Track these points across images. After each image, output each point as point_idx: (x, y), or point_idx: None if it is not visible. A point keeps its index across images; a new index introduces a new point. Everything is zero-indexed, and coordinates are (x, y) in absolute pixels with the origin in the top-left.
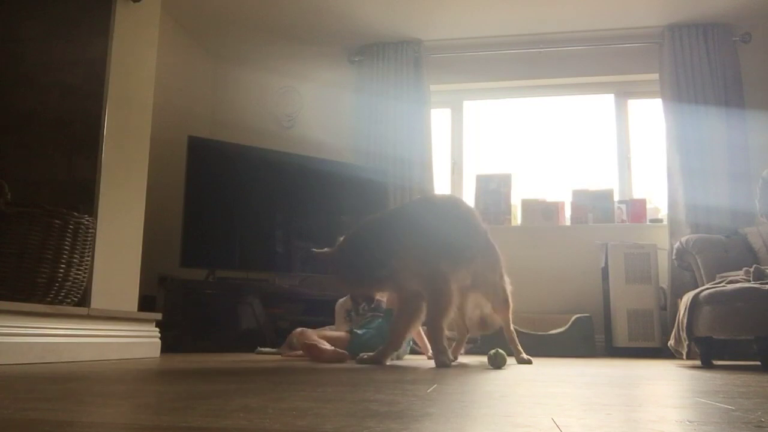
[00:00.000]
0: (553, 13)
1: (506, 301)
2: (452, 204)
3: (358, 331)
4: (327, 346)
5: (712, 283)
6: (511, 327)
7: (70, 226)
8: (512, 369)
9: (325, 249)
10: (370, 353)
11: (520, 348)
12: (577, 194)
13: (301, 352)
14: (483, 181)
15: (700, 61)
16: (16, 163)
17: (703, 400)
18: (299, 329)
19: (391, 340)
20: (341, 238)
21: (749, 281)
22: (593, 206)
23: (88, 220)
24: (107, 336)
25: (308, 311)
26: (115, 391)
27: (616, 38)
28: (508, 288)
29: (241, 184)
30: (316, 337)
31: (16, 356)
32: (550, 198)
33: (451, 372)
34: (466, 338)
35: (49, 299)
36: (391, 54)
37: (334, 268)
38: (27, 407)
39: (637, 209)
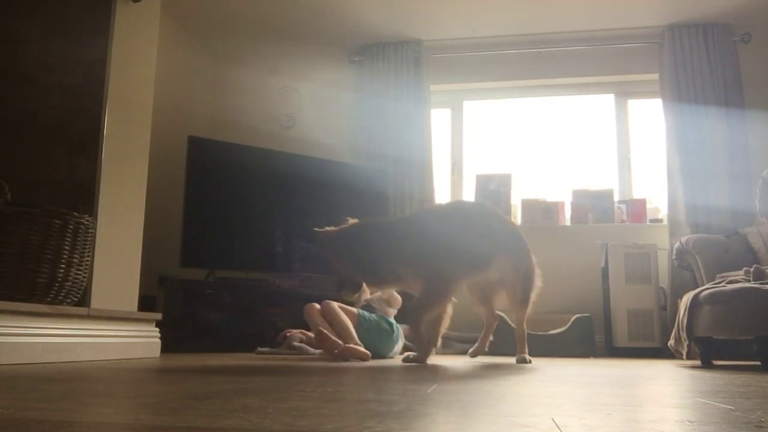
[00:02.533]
0: (553, 13)
1: (524, 300)
2: (472, 210)
3: (364, 314)
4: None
5: (712, 283)
6: (524, 326)
7: (70, 226)
8: (512, 369)
9: (328, 228)
10: (413, 353)
11: (525, 348)
12: (577, 194)
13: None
14: (483, 181)
15: (700, 61)
16: (16, 163)
17: (703, 400)
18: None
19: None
20: (350, 223)
21: (749, 281)
22: (593, 206)
23: (88, 220)
24: (107, 336)
25: None
26: (115, 391)
27: (616, 38)
28: (534, 287)
29: (241, 184)
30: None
31: (16, 356)
32: (550, 198)
33: (451, 372)
34: (492, 331)
35: (49, 299)
36: (391, 54)
37: (334, 248)
38: (27, 407)
39: (637, 209)
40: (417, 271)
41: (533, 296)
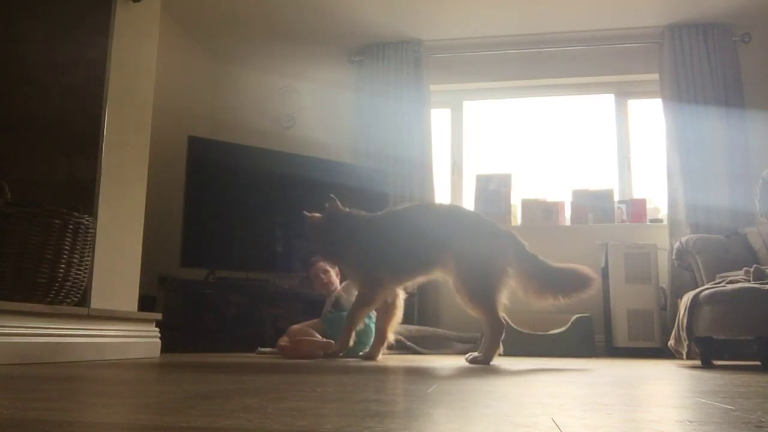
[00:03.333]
0: (553, 13)
1: (473, 299)
2: (422, 214)
3: (328, 317)
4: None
5: (712, 283)
6: (489, 329)
7: (70, 226)
8: (512, 369)
9: (316, 214)
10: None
11: (493, 350)
12: (577, 194)
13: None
14: (483, 181)
15: (700, 61)
16: (16, 163)
17: (703, 400)
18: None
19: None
20: (330, 212)
21: (749, 281)
22: (593, 206)
23: (88, 220)
24: (107, 336)
25: (308, 311)
26: (115, 391)
27: (616, 38)
28: (491, 287)
29: (241, 184)
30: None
31: (16, 356)
32: (550, 198)
33: (451, 372)
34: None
35: (49, 299)
36: (391, 54)
37: (313, 230)
38: (27, 407)
39: (637, 209)
40: (354, 276)
41: (496, 297)
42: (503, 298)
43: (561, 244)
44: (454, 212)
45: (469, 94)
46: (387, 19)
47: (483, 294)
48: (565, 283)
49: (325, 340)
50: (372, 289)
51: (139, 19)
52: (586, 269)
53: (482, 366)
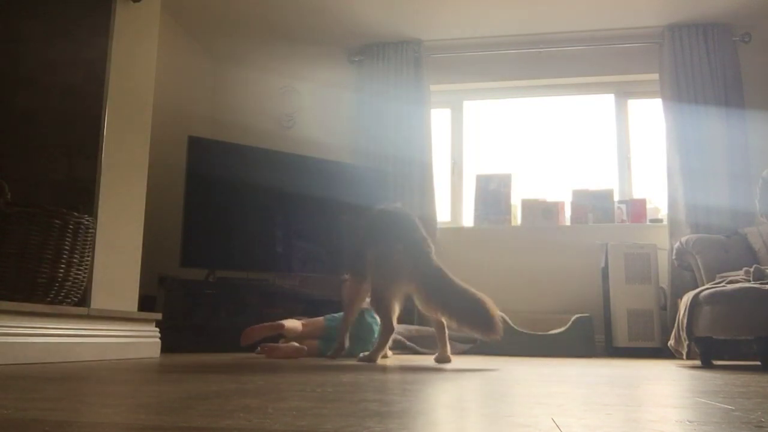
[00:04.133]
0: (553, 13)
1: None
2: (379, 217)
3: (330, 317)
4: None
5: (712, 283)
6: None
7: (70, 226)
8: (512, 369)
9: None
10: (367, 353)
11: (378, 351)
12: (577, 194)
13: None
14: (483, 181)
15: (700, 61)
16: (16, 163)
17: (703, 400)
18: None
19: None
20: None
21: (749, 281)
22: (593, 206)
23: (88, 220)
24: (107, 336)
25: (308, 311)
26: (115, 391)
27: (616, 38)
28: (380, 295)
29: (241, 184)
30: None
31: (16, 356)
32: (550, 198)
33: (451, 372)
34: (443, 333)
35: (49, 299)
36: (391, 54)
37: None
38: (27, 407)
39: (637, 209)
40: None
41: (389, 301)
42: (399, 303)
43: (561, 244)
44: (382, 217)
45: (469, 94)
46: (387, 19)
47: (375, 297)
48: (466, 313)
49: (297, 345)
50: (344, 290)
51: (139, 19)
52: (491, 306)
53: (481, 367)
